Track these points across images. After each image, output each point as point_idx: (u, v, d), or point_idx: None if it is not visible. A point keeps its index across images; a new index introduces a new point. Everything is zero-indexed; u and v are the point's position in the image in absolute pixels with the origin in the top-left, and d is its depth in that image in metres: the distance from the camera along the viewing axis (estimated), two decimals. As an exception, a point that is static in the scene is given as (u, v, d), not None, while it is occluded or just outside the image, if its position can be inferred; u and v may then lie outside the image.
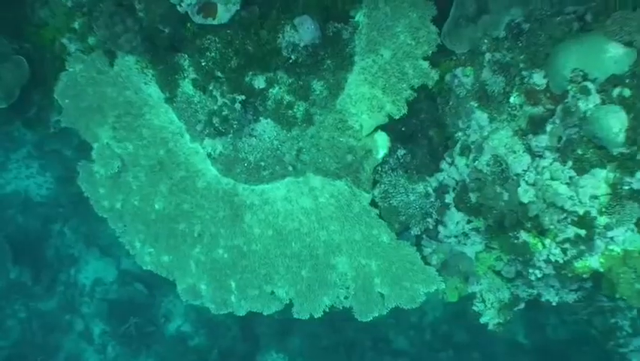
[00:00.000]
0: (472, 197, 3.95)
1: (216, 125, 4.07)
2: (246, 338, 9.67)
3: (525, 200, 3.55)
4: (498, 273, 4.28)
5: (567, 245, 3.55)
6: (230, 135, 4.21)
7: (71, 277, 10.00)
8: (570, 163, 3.47)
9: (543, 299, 4.13)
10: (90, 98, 4.39)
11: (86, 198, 10.26)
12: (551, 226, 3.56)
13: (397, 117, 4.02)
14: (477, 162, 3.79)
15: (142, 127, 4.37)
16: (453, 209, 4.14)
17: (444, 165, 4.09)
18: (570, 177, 3.46)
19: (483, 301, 4.35)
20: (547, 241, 3.59)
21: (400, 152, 4.19)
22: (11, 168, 10.04)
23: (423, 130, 4.20)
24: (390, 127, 4.16)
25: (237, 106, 4.03)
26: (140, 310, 9.70)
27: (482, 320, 4.46)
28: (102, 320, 9.80)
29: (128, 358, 9.79)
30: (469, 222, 4.12)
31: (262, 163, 4.29)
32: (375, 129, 4.14)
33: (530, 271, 3.78)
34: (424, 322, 9.96)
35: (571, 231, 3.51)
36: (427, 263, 4.36)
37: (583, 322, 9.67)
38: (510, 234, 3.78)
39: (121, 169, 4.48)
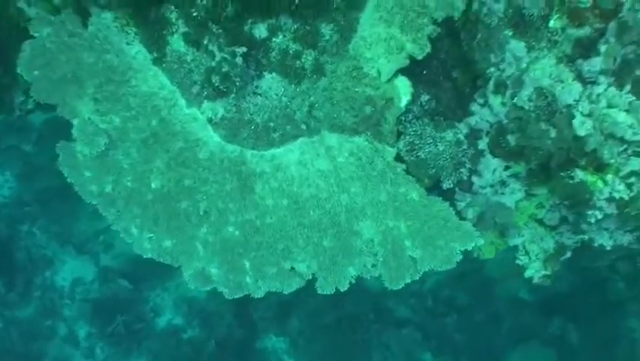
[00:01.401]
0: (511, 139, 3.54)
1: (216, 84, 3.55)
2: (243, 325, 9.23)
3: (582, 133, 3.15)
4: (540, 221, 3.90)
5: (632, 179, 3.17)
6: (233, 96, 3.69)
7: (47, 279, 9.37)
8: (628, 87, 3.09)
9: (596, 244, 3.77)
10: (64, 67, 3.80)
11: (53, 194, 9.60)
12: (612, 160, 3.17)
13: (420, 57, 3.57)
14: (516, 98, 3.37)
15: (128, 95, 3.81)
16: (488, 155, 3.73)
17: (475, 107, 3.66)
18: (629, 103, 3.08)
19: (526, 253, 3.98)
20: (609, 177, 3.21)
21: (424, 97, 3.74)
22: (-35, 171, 9.26)
23: (445, 72, 3.75)
24: (408, 71, 3.70)
25: (239, 60, 3.53)
26: (126, 307, 9.16)
27: (527, 274, 4.08)
28: (86, 321, 9.23)
29: (119, 358, 9.24)
30: (506, 168, 3.72)
31: (271, 124, 3.79)
32: (395, 74, 3.68)
33: (589, 213, 3.40)
34: (424, 288, 9.66)
35: (636, 163, 3.13)
36: (462, 218, 3.94)
37: (587, 271, 9.53)
38: (562, 174, 3.38)
39: (108, 147, 3.92)
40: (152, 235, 4.18)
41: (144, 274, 9.40)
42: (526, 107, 3.34)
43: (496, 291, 9.78)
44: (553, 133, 3.29)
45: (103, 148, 3.89)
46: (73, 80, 3.81)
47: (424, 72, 3.76)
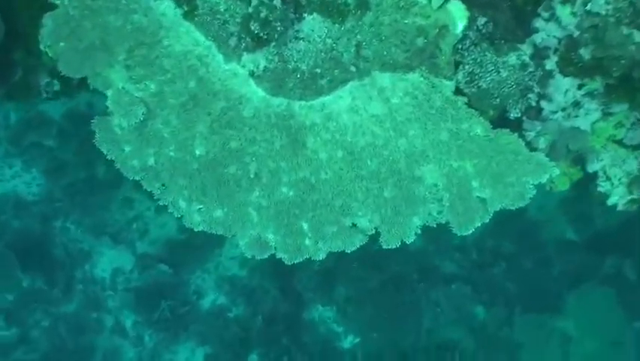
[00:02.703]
0: (585, 53, 3.23)
1: (256, 31, 3.26)
2: (288, 298, 9.04)
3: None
4: (620, 142, 3.59)
5: None
6: (274, 44, 3.41)
7: (88, 273, 9.25)
8: None
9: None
10: (90, 35, 3.54)
11: (81, 187, 9.42)
12: None
13: (474, -24, 3.26)
14: (589, 4, 3.04)
15: (162, 57, 3.55)
16: (558, 76, 3.43)
17: (539, 23, 3.35)
18: None
19: (608, 178, 3.68)
20: None
21: (481, 20, 3.43)
22: (-8, 171, 9.11)
23: (502, -10, 3.43)
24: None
25: (277, 2, 3.23)
26: (169, 292, 9.02)
27: (610, 201, 3.78)
28: (131, 310, 9.11)
29: (168, 344, 9.12)
30: (580, 87, 3.41)
31: (318, 70, 3.50)
32: (448, -1, 3.37)
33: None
34: (467, 242, 9.39)
35: None
36: (533, 149, 3.65)
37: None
38: (649, 84, 3.08)
39: (146, 116, 3.67)
40: (201, 205, 3.94)
41: (182, 257, 9.24)
42: (603, 13, 3.02)
43: (542, 235, 9.48)
44: (638, 37, 2.97)
45: (141, 118, 3.64)
46: (102, 47, 3.56)
47: (477, -6, 3.44)
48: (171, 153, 3.80)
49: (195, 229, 4.05)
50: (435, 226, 3.97)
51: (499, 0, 3.47)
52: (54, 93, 4.50)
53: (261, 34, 3.28)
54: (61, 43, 3.60)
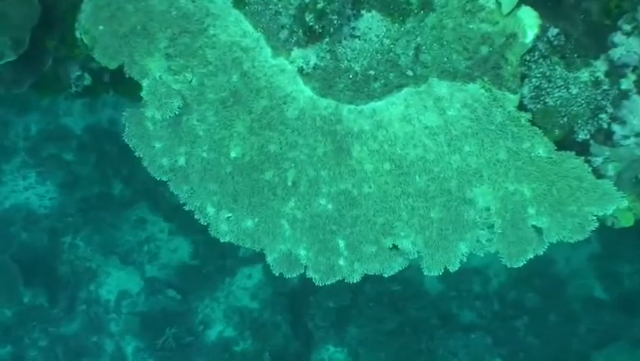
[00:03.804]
0: (669, 71, 2.94)
1: (310, 23, 3.02)
2: (299, 335, 8.60)
3: None
4: (697, 176, 3.28)
5: None
6: (327, 40, 3.16)
7: (92, 293, 8.90)
8: None
9: None
10: (132, 19, 3.32)
11: (95, 203, 9.15)
12: None
13: (547, -17, 3.02)
14: (681, 16, 2.78)
15: (205, 48, 3.31)
16: (635, 96, 3.13)
17: (618, 37, 3.07)
18: None
19: (681, 215, 3.34)
20: None
21: (552, 31, 3.17)
22: (6, 181, 8.90)
23: (577, 1, 3.18)
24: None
25: (336, -6, 3.00)
26: (175, 320, 8.63)
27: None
28: (134, 336, 8.70)
29: (169, 374, 8.66)
30: (658, 110, 3.11)
31: (371, 72, 3.24)
32: (518, 5, 3.12)
33: None
34: (489, 290, 8.97)
35: None
36: (600, 176, 3.34)
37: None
38: None
39: (182, 111, 3.41)
40: (230, 213, 3.64)
41: (192, 284, 8.88)
42: (694, 26, 2.75)
43: (568, 290, 9.07)
44: None
45: (176, 112, 3.37)
46: (143, 33, 3.33)
47: (548, 4, 3.19)
48: (204, 154, 3.52)
49: (221, 240, 3.73)
50: (478, 256, 3.64)
51: (573, 11, 3.22)
52: (84, 88, 4.25)
53: (316, 27, 3.04)
54: (100, 27, 3.38)
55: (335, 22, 3.03)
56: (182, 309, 8.81)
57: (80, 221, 8.96)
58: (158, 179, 3.66)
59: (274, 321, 8.64)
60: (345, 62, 3.22)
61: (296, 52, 3.21)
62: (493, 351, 8.74)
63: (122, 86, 4.63)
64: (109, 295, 8.90)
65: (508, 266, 3.59)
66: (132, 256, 9.02)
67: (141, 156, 3.62)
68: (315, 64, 3.22)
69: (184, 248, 9.00)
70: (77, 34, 3.65)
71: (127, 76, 3.45)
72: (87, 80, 4.25)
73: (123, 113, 3.57)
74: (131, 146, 3.61)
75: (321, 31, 3.05)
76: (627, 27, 3.03)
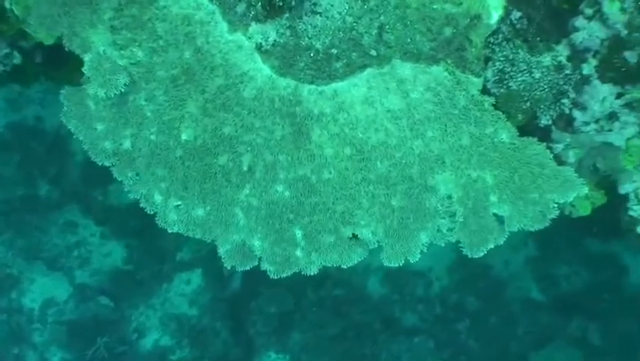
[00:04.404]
0: (631, 56, 2.93)
1: (271, -4, 2.85)
2: (239, 342, 8.31)
3: None
4: (655, 162, 3.29)
5: None
6: (287, 15, 2.99)
7: (14, 301, 8.31)
8: None
9: None
10: (73, -14, 3.04)
11: (19, 205, 8.59)
12: None
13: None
14: (645, -2, 2.77)
15: (155, 20, 3.07)
16: (596, 82, 3.11)
17: (579, 21, 3.04)
18: None
19: (640, 202, 3.34)
20: None
21: (515, 14, 3.12)
22: None
23: (537, -16, 3.14)
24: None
25: (298, -34, 2.84)
26: (107, 328, 8.14)
27: (640, 229, 3.44)
28: (61, 347, 8.17)
29: (100, 387, 8.17)
30: (619, 96, 3.10)
31: (333, 51, 3.09)
32: (482, -15, 3.06)
33: None
34: (431, 293, 8.99)
35: None
36: (561, 163, 3.30)
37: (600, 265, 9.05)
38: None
39: (128, 89, 3.15)
40: (179, 201, 3.40)
41: (125, 290, 8.44)
42: (660, 8, 2.75)
43: (507, 293, 9.20)
44: (695, 38, 2.70)
45: (122, 90, 3.11)
46: (85, 2, 3.05)
47: (511, -13, 3.14)
48: (152, 137, 3.27)
49: (169, 230, 3.46)
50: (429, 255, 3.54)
51: (534, -5, 3.18)
52: (13, 67, 3.90)
53: (276, 1, 2.86)
54: (36, -6, 3.07)
55: (297, -5, 2.87)
56: (115, 317, 8.35)
57: (2, 224, 8.37)
58: (100, 164, 3.38)
59: (214, 328, 8.33)
60: (306, 39, 3.06)
61: (254, 27, 3.03)
62: (436, 355, 8.73)
63: (55, 69, 4.31)
64: (32, 304, 8.35)
65: (469, 256, 3.50)
66: (60, 261, 8.50)
67: (81, 138, 3.33)
68: (275, 40, 3.04)
69: (117, 253, 8.56)
70: (7, 3, 3.34)
71: (66, 49, 3.16)
72: (16, 59, 3.90)
73: (61, 92, 3.27)
74: (70, 128, 3.32)
75: (281, 4, 2.88)
76: (589, 11, 3.00)
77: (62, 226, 8.62)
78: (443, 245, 3.54)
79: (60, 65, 4.26)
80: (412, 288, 8.97)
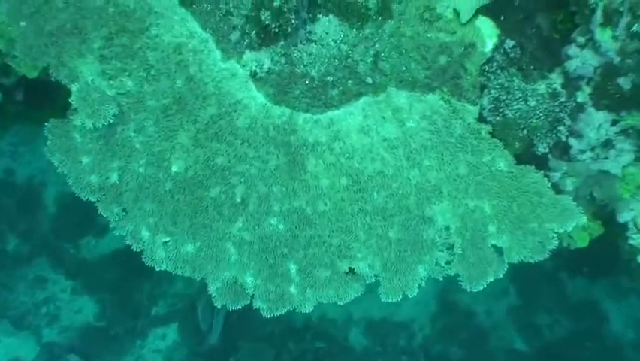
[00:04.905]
0: (625, 83, 2.96)
1: (267, 22, 2.81)
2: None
3: None
4: (653, 190, 3.28)
5: None
6: (281, 43, 2.96)
7: (-23, 363, 7.81)
8: None
9: None
10: (61, 14, 2.97)
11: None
12: None
13: (504, -7, 3.01)
14: (636, 25, 2.81)
15: (147, 49, 3.00)
16: (590, 109, 3.12)
17: (572, 49, 3.08)
18: None
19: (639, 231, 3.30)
20: None
21: (509, 43, 3.14)
22: None
23: (528, 16, 3.18)
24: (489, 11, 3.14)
25: (294, -8, 2.82)
26: (77, 389, 7.69)
27: (641, 257, 3.39)
28: (27, 411, 7.65)
29: None
30: (614, 123, 3.11)
31: (329, 78, 3.05)
32: (475, 14, 3.08)
33: None
34: (414, 344, 8.80)
35: None
36: (559, 192, 3.27)
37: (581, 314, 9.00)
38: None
39: (116, 120, 3.04)
40: (168, 238, 3.25)
41: (97, 347, 8.05)
42: (652, 33, 2.79)
43: (490, 343, 9.07)
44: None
45: (110, 120, 3.00)
46: (74, 31, 2.98)
47: (502, 18, 3.17)
48: (141, 169, 3.14)
49: (157, 268, 3.29)
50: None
51: (525, 26, 3.22)
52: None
53: (272, 26, 2.83)
54: (22, 23, 2.99)
55: (292, 21, 2.84)
56: (85, 377, 7.92)
57: (-37, 280, 7.99)
58: (85, 199, 3.21)
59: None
60: (302, 66, 3.01)
61: (248, 55, 2.98)
62: (420, 410, 8.47)
63: (36, 109, 4.19)
64: (-3, 366, 7.88)
65: (468, 290, 3.40)
66: (27, 319, 8.09)
67: (66, 172, 3.17)
68: (270, 68, 2.99)
69: (89, 308, 8.19)
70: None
71: (52, 79, 3.05)
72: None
73: (46, 124, 3.13)
74: (53, 162, 3.16)
75: (277, 30, 2.85)
76: (581, 39, 3.03)
77: (31, 282, 8.26)
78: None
79: (41, 104, 4.15)
80: (395, 339, 8.77)
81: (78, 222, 8.29)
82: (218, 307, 3.35)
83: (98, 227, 8.34)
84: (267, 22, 2.81)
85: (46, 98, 3.90)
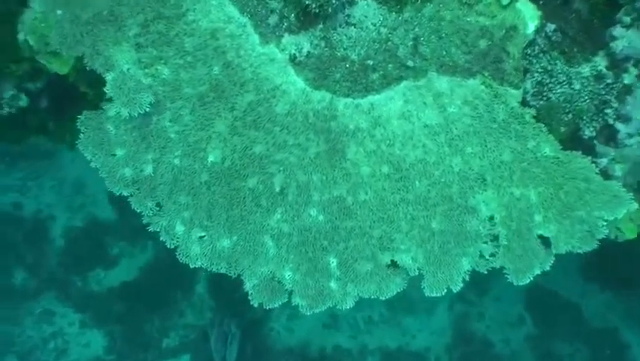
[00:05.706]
0: (674, 61, 2.90)
1: (307, 2, 2.76)
2: None
3: None
4: None
5: None
6: (320, 27, 2.91)
7: (-16, 402, 7.53)
8: None
9: None
10: (98, 2, 2.92)
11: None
12: None
13: (543, -25, 2.98)
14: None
15: (183, 36, 2.94)
16: (638, 91, 3.05)
17: (617, 30, 3.02)
18: None
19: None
20: None
21: (550, 27, 3.10)
22: None
23: (566, 1, 3.15)
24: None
25: (334, -26, 2.79)
26: None
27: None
28: None
29: None
30: (663, 104, 3.04)
31: (369, 62, 2.99)
32: (515, -3, 3.05)
33: None
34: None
35: None
36: (607, 178, 3.17)
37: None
38: None
39: (152, 109, 2.96)
40: (204, 232, 3.12)
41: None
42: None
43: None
44: None
45: (146, 109, 2.92)
46: (110, 18, 2.92)
47: (541, 2, 3.14)
48: (176, 161, 3.05)
49: (191, 265, 3.16)
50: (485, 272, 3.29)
51: (564, 10, 3.18)
52: (18, 110, 3.69)
53: (313, 6, 2.77)
54: (59, 11, 2.93)
55: (333, 2, 2.79)
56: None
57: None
58: (118, 194, 3.10)
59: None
60: (342, 50, 2.95)
61: (287, 38, 2.92)
62: None
63: (58, 118, 4.13)
64: (5, 404, 7.59)
65: (514, 283, 3.26)
66: (35, 354, 7.85)
67: (99, 166, 3.07)
68: (309, 51, 2.93)
69: (98, 342, 7.96)
70: (21, 35, 3.19)
71: (87, 69, 2.98)
72: (23, 101, 3.69)
73: (79, 117, 3.05)
74: (86, 155, 3.06)
75: (317, 11, 2.79)
76: (627, 19, 2.99)
77: (38, 316, 8.04)
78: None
79: (63, 113, 4.08)
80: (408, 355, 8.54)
81: (86, 256, 8.14)
82: (255, 305, 3.20)
83: (106, 260, 8.19)
84: (307, 2, 2.75)
85: (70, 106, 3.82)
